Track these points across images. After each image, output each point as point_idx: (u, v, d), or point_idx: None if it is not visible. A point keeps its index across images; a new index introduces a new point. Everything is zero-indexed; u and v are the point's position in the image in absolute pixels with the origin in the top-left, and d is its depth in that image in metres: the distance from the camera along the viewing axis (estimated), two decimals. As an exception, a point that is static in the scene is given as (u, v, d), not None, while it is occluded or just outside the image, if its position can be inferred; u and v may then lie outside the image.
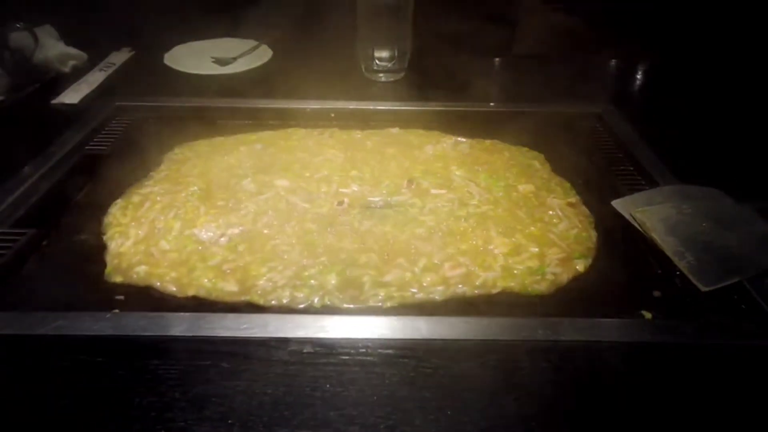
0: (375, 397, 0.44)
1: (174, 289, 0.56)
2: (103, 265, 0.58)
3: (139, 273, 0.57)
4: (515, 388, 0.45)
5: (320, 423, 0.41)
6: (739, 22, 1.13)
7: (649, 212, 0.62)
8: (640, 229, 0.62)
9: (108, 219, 0.66)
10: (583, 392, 0.45)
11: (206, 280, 0.57)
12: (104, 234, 0.63)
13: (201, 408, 0.42)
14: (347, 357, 0.47)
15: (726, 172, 0.73)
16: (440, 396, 0.44)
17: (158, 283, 0.56)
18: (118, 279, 0.57)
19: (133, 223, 0.64)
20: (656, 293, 0.56)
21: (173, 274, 0.57)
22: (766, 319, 0.51)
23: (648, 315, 0.53)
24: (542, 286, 0.57)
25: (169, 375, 0.45)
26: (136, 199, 0.69)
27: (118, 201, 0.68)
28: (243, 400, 0.43)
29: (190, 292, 0.56)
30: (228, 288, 0.56)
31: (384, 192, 0.71)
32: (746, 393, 0.46)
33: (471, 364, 0.47)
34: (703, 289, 0.54)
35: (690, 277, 0.55)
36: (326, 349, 0.48)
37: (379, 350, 0.48)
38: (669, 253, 0.58)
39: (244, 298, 0.55)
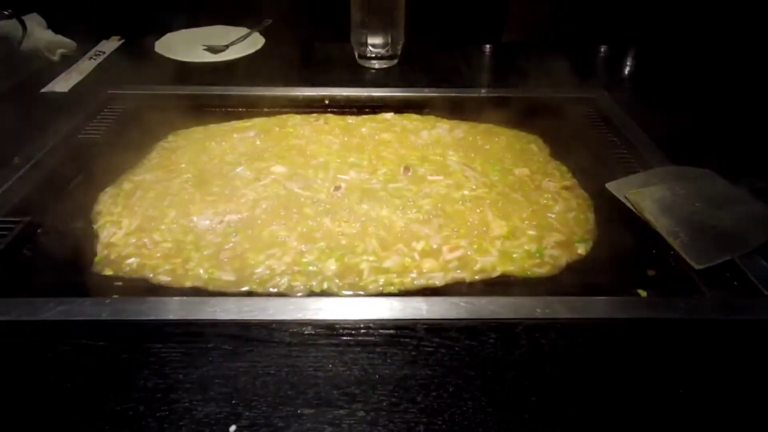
0: (377, 376, 0.44)
1: (168, 279, 0.55)
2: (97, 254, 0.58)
3: (131, 265, 0.56)
4: (514, 365, 0.46)
5: (324, 402, 0.42)
6: (729, 3, 1.13)
7: (643, 193, 0.63)
8: (634, 210, 0.63)
9: (98, 207, 0.65)
10: (581, 368, 0.46)
11: (202, 271, 0.56)
12: (95, 223, 0.62)
13: (205, 389, 0.42)
14: (349, 338, 0.48)
15: (717, 153, 0.74)
16: (441, 374, 0.44)
17: (151, 275, 0.55)
18: (108, 272, 0.56)
19: (125, 212, 0.63)
20: (651, 272, 0.57)
21: (167, 266, 0.56)
22: (757, 295, 0.53)
23: (643, 293, 0.54)
24: (543, 270, 0.57)
25: (172, 357, 0.45)
26: (127, 186, 0.68)
27: (108, 189, 0.68)
28: (246, 380, 0.43)
29: (187, 284, 0.55)
30: (225, 277, 0.55)
31: (381, 179, 0.71)
32: (739, 367, 0.47)
33: (471, 343, 0.47)
34: (697, 267, 0.55)
35: (684, 255, 0.56)
36: (327, 330, 0.48)
37: (381, 330, 0.48)
38: (663, 232, 0.59)
39: (242, 288, 0.54)
